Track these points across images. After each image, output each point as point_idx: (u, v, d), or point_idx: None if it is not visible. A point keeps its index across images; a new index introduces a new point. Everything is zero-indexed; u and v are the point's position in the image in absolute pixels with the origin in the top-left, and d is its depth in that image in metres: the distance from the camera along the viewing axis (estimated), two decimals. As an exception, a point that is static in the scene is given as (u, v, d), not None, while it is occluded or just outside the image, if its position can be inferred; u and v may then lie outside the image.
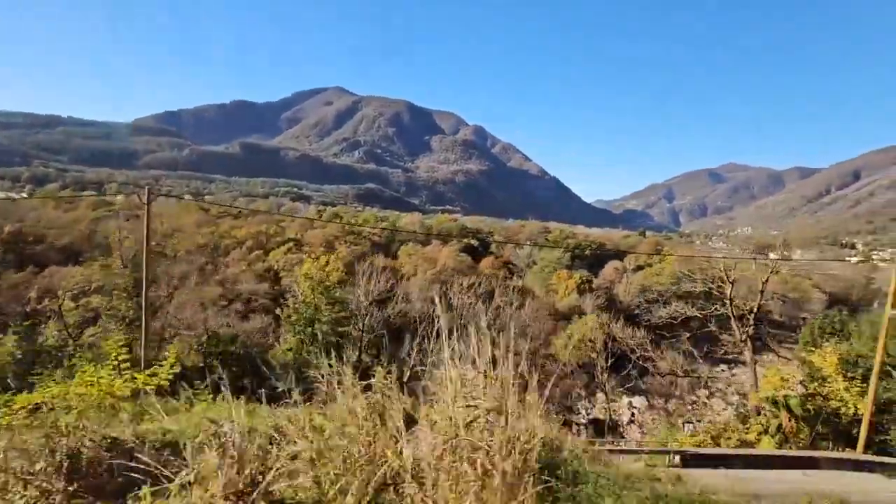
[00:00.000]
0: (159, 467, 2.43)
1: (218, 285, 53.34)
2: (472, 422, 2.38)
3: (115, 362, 7.38)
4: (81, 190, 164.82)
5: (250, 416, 5.26)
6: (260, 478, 2.39)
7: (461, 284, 34.50)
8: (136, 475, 2.86)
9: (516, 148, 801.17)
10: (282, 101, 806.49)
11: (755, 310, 29.04)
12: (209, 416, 3.49)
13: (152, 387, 7.04)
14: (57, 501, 2.90)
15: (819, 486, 11.73)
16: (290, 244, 69.69)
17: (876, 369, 17.24)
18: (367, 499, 2.59)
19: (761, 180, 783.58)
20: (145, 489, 2.51)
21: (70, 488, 2.95)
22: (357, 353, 24.24)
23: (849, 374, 20.81)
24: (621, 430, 39.54)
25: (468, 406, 2.41)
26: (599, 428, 36.14)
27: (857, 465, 15.56)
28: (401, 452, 2.56)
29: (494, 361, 3.37)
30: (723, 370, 55.14)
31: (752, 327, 28.83)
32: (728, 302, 30.16)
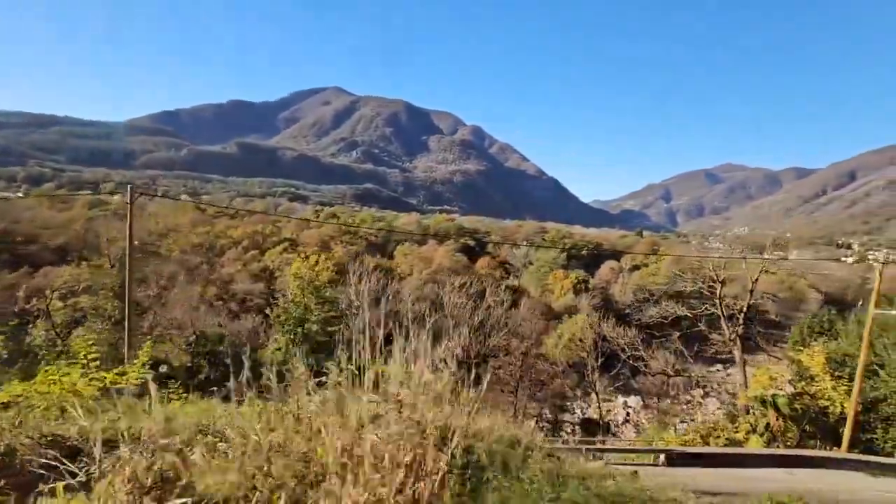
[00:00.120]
0: (68, 464, 2.42)
1: (213, 285, 53.34)
2: (376, 417, 2.39)
3: (84, 361, 7.34)
4: (77, 190, 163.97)
5: (204, 412, 5.26)
6: (171, 473, 2.38)
7: (453, 284, 34.51)
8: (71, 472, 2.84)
9: (514, 148, 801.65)
10: (280, 101, 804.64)
11: (745, 309, 29.14)
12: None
13: (122, 386, 6.99)
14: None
15: (805, 485, 11.75)
16: (286, 244, 69.72)
17: (860, 368, 17.33)
18: (292, 495, 2.57)
19: (758, 180, 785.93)
20: (59, 484, 2.49)
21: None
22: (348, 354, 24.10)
23: (836, 373, 20.90)
24: (616, 429, 39.56)
25: (370, 402, 2.43)
26: (593, 427, 36.18)
27: (843, 464, 15.62)
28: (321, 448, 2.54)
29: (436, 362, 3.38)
30: (718, 370, 55.26)
31: (741, 327, 28.94)
32: (718, 301, 30.27)
